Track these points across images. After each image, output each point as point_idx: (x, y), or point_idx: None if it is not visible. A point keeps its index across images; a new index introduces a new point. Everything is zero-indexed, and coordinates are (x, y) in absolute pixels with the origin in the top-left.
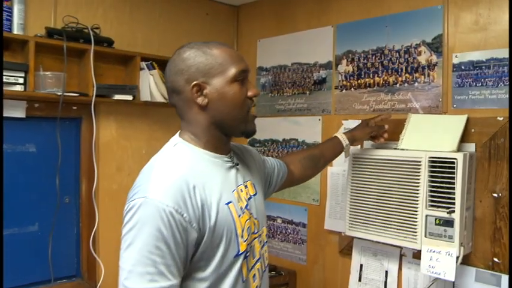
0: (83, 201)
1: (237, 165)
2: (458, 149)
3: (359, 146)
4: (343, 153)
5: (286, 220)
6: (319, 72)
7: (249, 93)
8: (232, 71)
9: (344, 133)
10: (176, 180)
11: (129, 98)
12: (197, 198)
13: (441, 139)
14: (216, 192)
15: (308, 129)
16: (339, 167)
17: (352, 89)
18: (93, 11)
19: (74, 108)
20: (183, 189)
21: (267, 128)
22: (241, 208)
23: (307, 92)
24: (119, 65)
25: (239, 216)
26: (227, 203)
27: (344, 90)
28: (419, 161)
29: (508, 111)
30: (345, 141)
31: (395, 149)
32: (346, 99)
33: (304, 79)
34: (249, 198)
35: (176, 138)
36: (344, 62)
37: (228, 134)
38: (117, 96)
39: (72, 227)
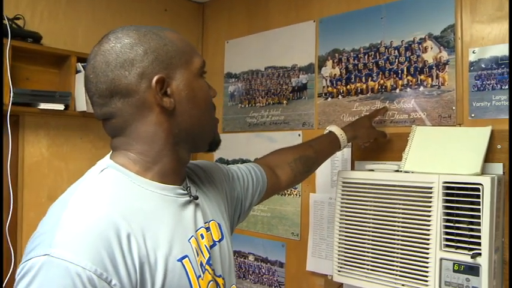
0: None
1: (196, 198)
2: (482, 172)
3: (348, 165)
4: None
5: (260, 258)
6: (298, 77)
7: (211, 93)
8: (197, 61)
9: (343, 128)
10: (98, 225)
11: (60, 107)
12: (133, 253)
13: (458, 158)
14: (164, 243)
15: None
16: (323, 194)
17: (340, 96)
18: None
19: None
20: (110, 239)
21: (236, 145)
22: (201, 265)
23: (284, 102)
24: (53, 68)
25: (198, 277)
26: (180, 259)
27: (329, 99)
28: (431, 188)
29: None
30: (344, 141)
31: (397, 171)
32: (332, 109)
33: (281, 86)
34: (213, 246)
35: (105, 161)
36: (329, 63)
37: (194, 148)
38: (44, 105)
39: None
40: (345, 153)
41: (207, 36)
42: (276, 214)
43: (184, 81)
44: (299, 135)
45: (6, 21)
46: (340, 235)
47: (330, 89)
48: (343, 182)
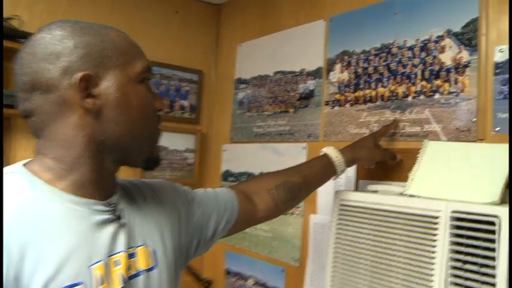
0: None
1: (119, 218)
2: (502, 201)
3: (352, 184)
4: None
5: (259, 282)
6: (305, 82)
7: (156, 104)
8: (138, 65)
9: (341, 150)
10: None
11: None
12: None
13: (474, 182)
14: (49, 265)
15: (289, 160)
16: (325, 216)
17: (348, 104)
18: None
19: None
20: None
21: (243, 157)
22: None
23: (291, 110)
24: None
25: None
26: (69, 286)
27: (337, 107)
28: (436, 217)
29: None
30: (341, 165)
31: (401, 194)
32: (339, 119)
33: (288, 93)
34: (134, 277)
35: (14, 166)
36: (338, 67)
37: (123, 162)
38: None
39: None
40: (349, 171)
41: (222, 40)
42: (277, 235)
43: (117, 83)
44: (304, 147)
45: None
46: (334, 265)
47: (337, 96)
48: (341, 205)
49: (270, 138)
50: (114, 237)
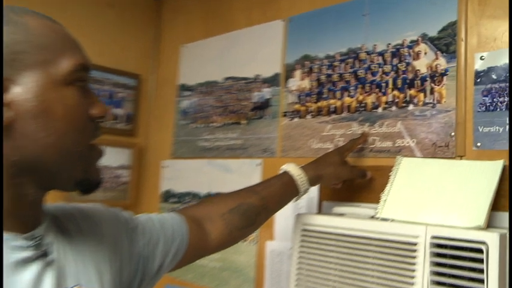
0: None
1: (46, 255)
2: (488, 225)
3: (314, 206)
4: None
5: None
6: (260, 90)
7: (94, 111)
8: (64, 63)
9: (304, 167)
10: None
11: None
12: None
13: (455, 204)
14: None
15: (242, 179)
16: (283, 243)
17: (309, 116)
18: None
19: None
20: None
21: (187, 175)
22: None
23: (243, 122)
24: None
25: None
26: None
27: (296, 119)
28: (415, 243)
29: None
30: (303, 184)
31: (372, 218)
32: (299, 132)
33: (240, 102)
34: None
35: None
36: (298, 73)
37: (48, 185)
38: None
39: None
40: (311, 191)
41: (163, 40)
42: (227, 265)
43: (35, 88)
44: (258, 164)
45: None
46: None
47: (297, 106)
48: (303, 230)
49: (219, 153)
50: (38, 279)
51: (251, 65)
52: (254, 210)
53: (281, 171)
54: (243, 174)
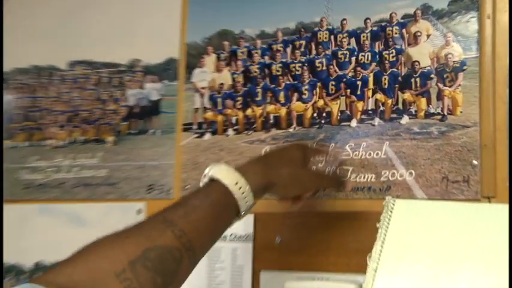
0: None
1: None
2: None
3: (246, 279)
4: None
5: None
6: (142, 87)
7: None
8: None
9: (242, 169)
10: None
11: None
12: None
13: (487, 276)
14: None
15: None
16: None
17: (231, 131)
18: None
19: None
20: None
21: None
22: None
23: (110, 139)
24: None
25: None
26: None
27: (208, 135)
28: None
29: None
30: (246, 197)
31: None
32: (213, 158)
33: (104, 104)
34: None
35: None
36: (210, 60)
37: None
38: None
39: None
40: (238, 255)
41: None
42: None
43: None
44: (139, 211)
45: None
46: None
47: (209, 114)
48: None
49: (63, 193)
50: None
51: (122, 44)
52: (172, 255)
53: (204, 179)
54: (109, 228)
